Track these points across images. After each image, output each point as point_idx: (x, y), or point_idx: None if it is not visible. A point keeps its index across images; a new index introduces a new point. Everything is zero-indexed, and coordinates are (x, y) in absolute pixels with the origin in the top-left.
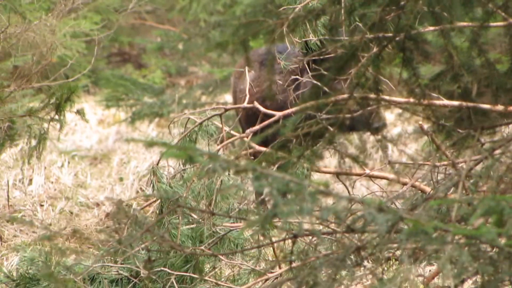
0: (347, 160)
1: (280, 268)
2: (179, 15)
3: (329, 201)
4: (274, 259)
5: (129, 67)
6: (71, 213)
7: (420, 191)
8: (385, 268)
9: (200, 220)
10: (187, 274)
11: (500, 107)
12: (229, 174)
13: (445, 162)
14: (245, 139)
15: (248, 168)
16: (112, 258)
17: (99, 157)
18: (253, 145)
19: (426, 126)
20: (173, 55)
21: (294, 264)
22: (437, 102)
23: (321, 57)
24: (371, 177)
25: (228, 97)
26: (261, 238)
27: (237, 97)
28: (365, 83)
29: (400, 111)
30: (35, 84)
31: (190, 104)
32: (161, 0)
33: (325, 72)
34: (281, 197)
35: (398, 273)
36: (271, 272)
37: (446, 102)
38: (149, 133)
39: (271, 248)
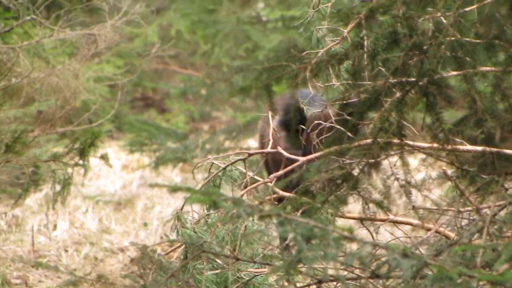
0: (371, 205)
1: None
2: (201, 60)
3: (354, 246)
4: None
5: (152, 112)
6: (96, 258)
7: (444, 237)
8: None
9: (225, 265)
10: None
11: None
12: (253, 220)
13: (469, 208)
14: (269, 184)
15: (272, 213)
16: None
17: (123, 202)
18: (277, 190)
19: (449, 171)
20: (196, 100)
21: None
22: (461, 147)
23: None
24: (395, 222)
25: (251, 142)
26: (286, 283)
27: (264, 142)
28: (388, 128)
29: (423, 156)
30: (59, 129)
31: (213, 149)
32: (183, 45)
33: (349, 117)
34: (306, 243)
35: None
36: None
37: (469, 147)
38: (173, 178)
39: None
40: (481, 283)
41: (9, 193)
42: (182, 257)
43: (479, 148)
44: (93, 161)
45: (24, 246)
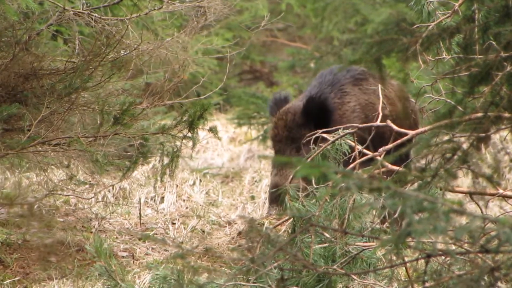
0: (480, 179)
1: None
2: (310, 33)
3: (463, 220)
4: (407, 279)
5: (260, 85)
6: (203, 231)
7: None
8: None
9: (333, 239)
10: None
11: None
12: (361, 193)
13: None
14: (378, 157)
15: (382, 186)
16: (244, 276)
17: (231, 175)
18: (386, 164)
19: None
20: (304, 73)
21: (427, 284)
22: None
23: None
24: (504, 197)
25: None
26: (394, 257)
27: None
28: (499, 102)
29: None
30: (167, 101)
31: None
32: (292, 18)
33: (459, 91)
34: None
35: None
36: None
37: None
38: None
39: (404, 268)
40: None
41: (116, 165)
42: (290, 230)
43: None
44: (201, 133)
45: (131, 219)
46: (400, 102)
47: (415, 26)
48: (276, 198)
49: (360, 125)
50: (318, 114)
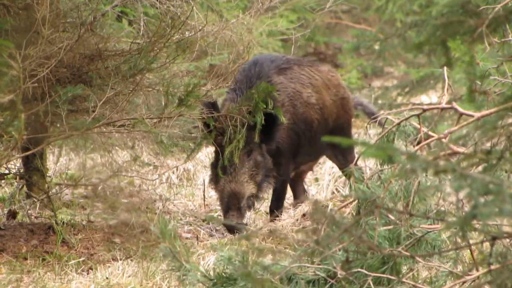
0: None
1: (478, 270)
2: (375, 15)
3: None
4: (472, 261)
5: None
6: (267, 213)
7: None
8: None
9: (398, 221)
10: (384, 275)
11: None
12: (426, 175)
13: None
14: (443, 140)
15: (447, 168)
16: (309, 258)
17: None
18: (451, 146)
19: None
20: (368, 55)
21: (492, 267)
22: None
23: None
24: None
25: (424, 98)
26: (459, 240)
27: None
28: None
29: None
30: (231, 83)
31: (385, 105)
32: (357, 0)
33: None
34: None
35: None
36: (469, 275)
37: None
38: None
39: (469, 250)
40: None
41: (181, 147)
42: (354, 212)
43: None
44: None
45: (195, 200)
46: (327, 90)
47: (481, 8)
48: (232, 205)
49: (426, 107)
50: None
